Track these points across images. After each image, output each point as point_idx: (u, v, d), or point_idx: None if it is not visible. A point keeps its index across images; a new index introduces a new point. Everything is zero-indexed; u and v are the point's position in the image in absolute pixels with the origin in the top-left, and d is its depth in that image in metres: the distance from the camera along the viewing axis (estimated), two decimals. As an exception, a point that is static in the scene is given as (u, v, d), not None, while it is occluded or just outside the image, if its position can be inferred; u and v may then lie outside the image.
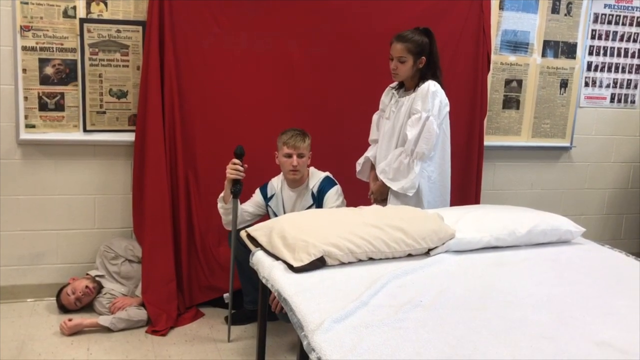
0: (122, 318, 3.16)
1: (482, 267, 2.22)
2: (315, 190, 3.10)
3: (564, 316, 1.80)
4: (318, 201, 3.08)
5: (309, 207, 3.08)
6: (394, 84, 3.10)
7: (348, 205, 3.06)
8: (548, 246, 2.51)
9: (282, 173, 3.17)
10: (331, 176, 3.16)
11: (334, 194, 3.06)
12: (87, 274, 3.43)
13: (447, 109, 2.92)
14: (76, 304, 3.29)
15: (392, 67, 2.93)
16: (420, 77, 2.92)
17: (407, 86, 3.00)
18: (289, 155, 3.02)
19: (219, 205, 3.12)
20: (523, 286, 2.03)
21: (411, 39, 2.88)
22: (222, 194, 3.09)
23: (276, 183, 3.22)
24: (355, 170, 3.28)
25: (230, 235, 3.11)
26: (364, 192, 3.22)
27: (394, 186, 2.90)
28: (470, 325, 1.70)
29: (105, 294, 3.35)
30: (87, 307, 3.35)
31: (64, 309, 3.32)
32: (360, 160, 3.23)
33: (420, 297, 1.86)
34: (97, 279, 3.38)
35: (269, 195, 3.20)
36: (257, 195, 3.23)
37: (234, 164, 2.98)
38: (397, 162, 2.89)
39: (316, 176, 3.14)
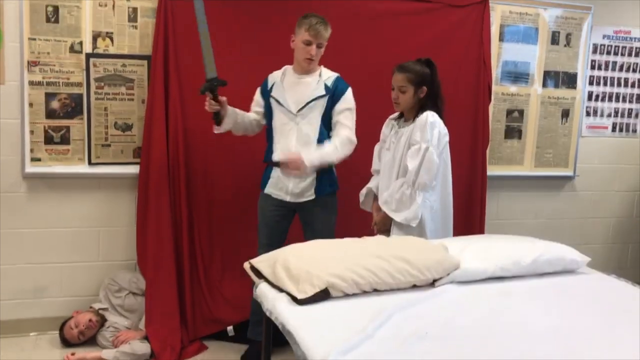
0: (125, 352, 3.14)
1: (488, 297, 2.20)
2: (329, 83, 3.05)
3: (570, 346, 1.78)
4: (333, 95, 3.03)
5: (319, 97, 3.02)
6: (394, 115, 3.12)
7: (351, 235, 3.04)
8: (553, 276, 2.49)
9: (285, 67, 3.13)
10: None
11: (351, 96, 3.05)
12: (91, 307, 3.41)
13: (447, 138, 2.94)
14: (79, 337, 3.28)
15: (393, 96, 2.97)
16: (420, 107, 2.95)
17: (406, 116, 3.02)
18: (309, 43, 2.93)
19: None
20: (529, 317, 2.02)
21: (412, 69, 2.92)
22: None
23: (276, 74, 3.15)
24: (359, 200, 3.28)
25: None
26: (368, 222, 3.21)
27: (397, 217, 2.90)
28: (476, 356, 1.68)
29: (108, 327, 3.33)
30: (91, 340, 3.32)
31: (67, 342, 3.30)
32: (363, 191, 3.23)
33: (425, 329, 1.85)
34: (100, 312, 3.37)
35: (269, 87, 3.13)
36: (257, 95, 3.19)
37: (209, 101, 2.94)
38: (399, 193, 2.90)
39: (329, 72, 3.11)
